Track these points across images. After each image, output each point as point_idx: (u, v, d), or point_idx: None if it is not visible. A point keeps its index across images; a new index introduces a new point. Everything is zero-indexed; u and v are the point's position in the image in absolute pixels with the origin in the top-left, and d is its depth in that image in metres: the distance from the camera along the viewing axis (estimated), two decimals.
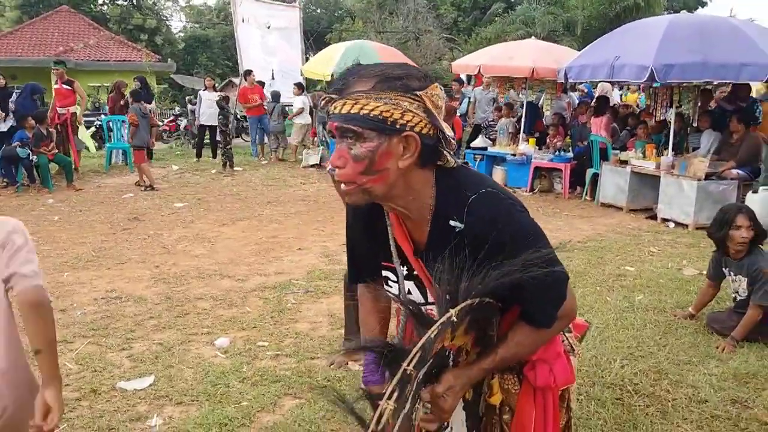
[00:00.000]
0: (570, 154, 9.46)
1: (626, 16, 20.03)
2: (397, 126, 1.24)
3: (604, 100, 10.27)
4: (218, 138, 12.13)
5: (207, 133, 12.77)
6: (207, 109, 12.32)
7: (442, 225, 1.34)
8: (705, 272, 4.45)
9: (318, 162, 11.87)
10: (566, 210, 8.33)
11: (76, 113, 10.39)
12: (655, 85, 8.53)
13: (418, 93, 1.25)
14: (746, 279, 3.81)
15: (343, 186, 1.32)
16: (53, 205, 8.39)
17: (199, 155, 12.84)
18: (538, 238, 1.33)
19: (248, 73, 13.31)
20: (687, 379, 3.32)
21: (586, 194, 8.99)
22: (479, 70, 10.38)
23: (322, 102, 1.31)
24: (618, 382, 3.30)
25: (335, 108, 1.27)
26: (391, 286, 1.51)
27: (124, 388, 3.24)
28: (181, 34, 36.95)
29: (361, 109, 1.24)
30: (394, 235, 1.44)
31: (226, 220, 7.45)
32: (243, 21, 14.90)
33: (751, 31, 7.38)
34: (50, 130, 9.70)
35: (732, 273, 3.93)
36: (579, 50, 10.34)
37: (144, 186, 9.56)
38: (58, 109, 10.12)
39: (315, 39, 27.40)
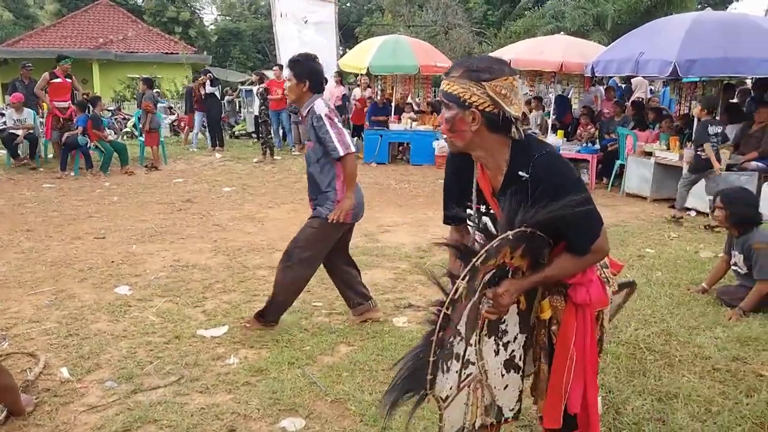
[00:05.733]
0: (597, 146, 9.81)
1: (657, 11, 19.96)
2: (467, 103, 1.81)
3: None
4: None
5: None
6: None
7: (512, 174, 1.88)
8: (720, 254, 4.90)
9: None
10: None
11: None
12: (684, 80, 8.80)
13: (483, 83, 1.79)
14: (742, 255, 4.29)
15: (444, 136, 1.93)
16: (110, 188, 9.06)
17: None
18: (580, 186, 1.87)
19: (279, 67, 13.25)
20: (694, 341, 3.74)
21: (613, 184, 9.35)
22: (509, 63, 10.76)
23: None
24: (632, 341, 3.74)
25: (442, 85, 1.87)
26: (475, 223, 2.07)
27: (203, 335, 3.79)
28: (213, 27, 37.69)
29: (450, 88, 1.84)
30: (478, 180, 2.00)
31: (271, 204, 8.02)
32: (281, 16, 15.46)
33: None
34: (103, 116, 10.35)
35: (734, 249, 4.42)
36: (608, 45, 10.64)
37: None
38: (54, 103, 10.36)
39: (344, 33, 27.85)
